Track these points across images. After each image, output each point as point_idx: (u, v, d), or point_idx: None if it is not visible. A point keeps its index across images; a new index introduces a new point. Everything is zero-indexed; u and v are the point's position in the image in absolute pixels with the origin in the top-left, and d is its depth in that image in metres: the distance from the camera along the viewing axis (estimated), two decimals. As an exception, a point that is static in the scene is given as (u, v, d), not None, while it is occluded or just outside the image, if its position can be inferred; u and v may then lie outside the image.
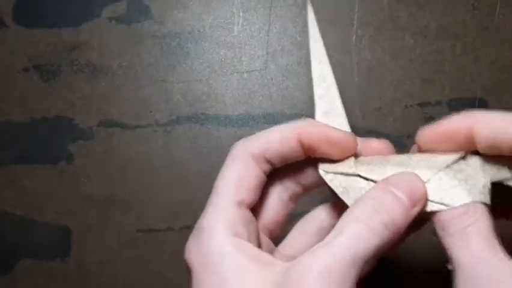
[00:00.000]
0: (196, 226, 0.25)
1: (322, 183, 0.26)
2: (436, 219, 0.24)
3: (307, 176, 0.28)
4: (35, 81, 0.41)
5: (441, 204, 0.24)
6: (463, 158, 0.25)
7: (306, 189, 0.28)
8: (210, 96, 0.40)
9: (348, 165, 0.26)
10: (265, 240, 0.27)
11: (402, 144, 0.37)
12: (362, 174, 0.25)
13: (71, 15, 0.41)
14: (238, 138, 0.35)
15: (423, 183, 0.24)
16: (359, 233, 0.22)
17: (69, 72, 0.41)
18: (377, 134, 0.38)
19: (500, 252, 0.21)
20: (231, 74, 0.40)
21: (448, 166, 0.25)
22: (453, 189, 0.24)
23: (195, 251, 0.24)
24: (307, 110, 0.39)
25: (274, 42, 0.40)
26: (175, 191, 0.39)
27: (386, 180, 0.24)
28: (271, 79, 0.39)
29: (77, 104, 0.40)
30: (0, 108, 0.41)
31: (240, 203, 0.25)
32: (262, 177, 0.26)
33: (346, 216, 0.23)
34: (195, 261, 0.24)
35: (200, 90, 0.40)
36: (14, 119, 0.40)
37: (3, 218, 0.40)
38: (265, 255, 0.24)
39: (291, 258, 0.23)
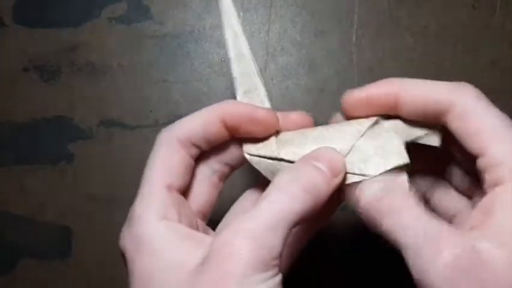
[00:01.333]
0: (129, 215, 0.25)
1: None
2: (357, 194, 0.25)
3: (233, 156, 0.28)
4: (35, 81, 0.41)
5: (361, 175, 0.25)
6: (377, 122, 0.26)
7: (234, 168, 0.29)
8: (210, 96, 0.40)
9: (270, 148, 0.27)
10: (200, 223, 0.27)
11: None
12: (285, 157, 0.26)
13: (71, 16, 0.41)
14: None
15: (342, 155, 0.25)
16: (280, 199, 0.23)
17: (69, 72, 0.41)
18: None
19: (424, 215, 0.23)
20: (231, 74, 0.40)
21: (362, 134, 0.26)
22: (370, 159, 0.25)
23: (127, 237, 0.24)
24: (307, 110, 0.39)
25: (274, 42, 0.40)
26: (175, 191, 0.39)
27: (305, 155, 0.25)
28: (271, 79, 0.39)
29: (77, 104, 0.40)
30: (0, 108, 0.41)
31: (168, 187, 0.25)
32: (189, 161, 0.26)
33: (269, 186, 0.24)
34: (128, 246, 0.24)
35: (200, 90, 0.40)
36: (14, 119, 0.40)
37: (3, 218, 0.40)
38: (198, 234, 0.24)
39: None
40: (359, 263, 0.37)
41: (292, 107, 0.39)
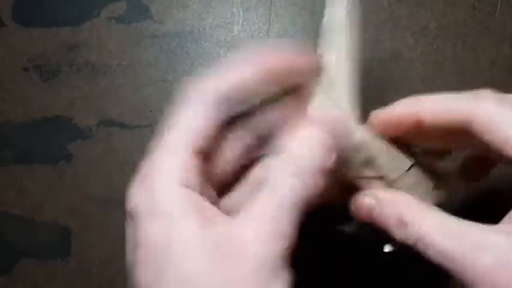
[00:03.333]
0: (144, 169, 0.23)
1: (280, 135, 0.25)
2: None
3: (264, 126, 0.25)
4: (34, 81, 0.41)
5: None
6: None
7: (262, 142, 0.26)
8: (209, 96, 0.39)
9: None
10: (210, 191, 0.25)
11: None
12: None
13: (71, 15, 0.41)
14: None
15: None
16: (294, 184, 0.22)
17: (68, 71, 0.40)
18: (377, 134, 0.38)
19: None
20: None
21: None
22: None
23: (140, 196, 0.22)
24: (307, 110, 0.39)
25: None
26: (175, 191, 0.39)
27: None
28: (271, 79, 0.39)
29: (77, 104, 0.40)
30: (0, 108, 0.40)
31: (194, 152, 0.23)
32: (220, 124, 0.24)
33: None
34: (142, 206, 0.22)
35: (200, 90, 0.40)
36: (14, 119, 0.40)
37: (3, 218, 0.40)
38: (213, 210, 0.22)
39: (233, 210, 0.22)
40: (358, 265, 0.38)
41: (292, 107, 0.39)
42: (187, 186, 0.22)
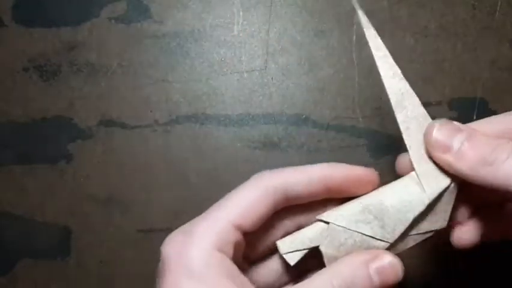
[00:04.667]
0: (187, 227, 0.25)
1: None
2: None
3: (307, 221, 0.28)
4: (34, 81, 0.41)
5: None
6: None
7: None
8: (209, 96, 0.40)
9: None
10: (241, 260, 0.27)
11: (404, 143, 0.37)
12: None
13: (71, 15, 0.41)
14: (238, 137, 0.35)
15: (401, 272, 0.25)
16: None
17: (68, 72, 0.40)
18: (377, 134, 0.38)
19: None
20: (230, 73, 0.40)
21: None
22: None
23: (177, 248, 0.24)
24: (307, 110, 0.39)
25: (274, 42, 0.40)
26: (175, 191, 0.39)
27: (363, 253, 0.25)
28: (271, 79, 0.39)
29: (77, 104, 0.40)
30: (0, 108, 0.40)
31: (237, 227, 0.25)
32: (271, 211, 0.26)
33: (323, 272, 0.24)
34: (174, 257, 0.23)
35: (200, 90, 0.40)
36: (14, 119, 0.40)
37: (3, 218, 0.40)
38: (243, 278, 0.24)
39: (263, 284, 0.25)
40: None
41: (292, 107, 0.39)
42: (222, 251, 0.24)
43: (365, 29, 0.28)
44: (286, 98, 0.39)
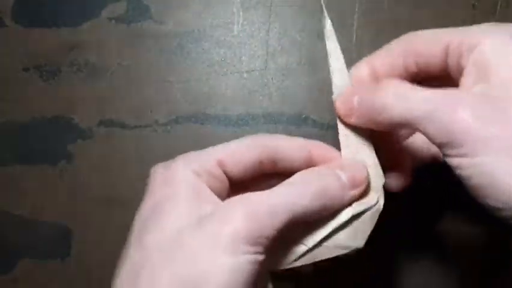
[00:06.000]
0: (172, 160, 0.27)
1: None
2: None
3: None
4: (34, 81, 0.41)
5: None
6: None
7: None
8: (210, 96, 0.40)
9: None
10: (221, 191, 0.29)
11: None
12: None
13: (71, 15, 0.41)
14: (238, 137, 0.35)
15: (366, 170, 0.27)
16: (290, 192, 0.25)
17: (68, 72, 0.40)
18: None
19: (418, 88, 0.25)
20: (231, 73, 0.40)
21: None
22: None
23: (160, 169, 0.27)
24: (307, 110, 0.39)
25: (274, 42, 0.40)
26: (175, 191, 0.39)
27: (332, 163, 0.27)
28: (271, 79, 0.39)
29: (77, 104, 0.40)
30: (0, 108, 0.40)
31: (219, 162, 0.27)
32: (256, 163, 0.27)
33: (291, 178, 0.26)
34: (157, 179, 0.26)
35: (200, 90, 0.40)
36: (14, 118, 0.40)
37: (3, 218, 0.40)
38: (216, 198, 0.26)
39: None
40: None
41: (292, 107, 0.39)
42: (198, 176, 0.26)
43: (327, 40, 0.30)
44: (286, 98, 0.39)
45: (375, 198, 0.27)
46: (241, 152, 0.27)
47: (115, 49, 0.40)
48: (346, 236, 0.27)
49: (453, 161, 0.23)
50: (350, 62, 0.39)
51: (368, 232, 0.27)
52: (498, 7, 0.39)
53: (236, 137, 0.38)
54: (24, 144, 0.40)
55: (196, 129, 0.39)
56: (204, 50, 0.40)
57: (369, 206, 0.27)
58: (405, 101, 0.24)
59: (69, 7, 0.41)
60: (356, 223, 0.27)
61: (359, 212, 0.27)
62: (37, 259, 0.39)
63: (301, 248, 0.26)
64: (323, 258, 0.27)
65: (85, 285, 0.39)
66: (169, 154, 0.39)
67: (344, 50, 0.39)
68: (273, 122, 0.39)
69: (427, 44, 0.27)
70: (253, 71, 0.40)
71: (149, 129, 0.39)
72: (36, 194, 0.40)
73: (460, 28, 0.27)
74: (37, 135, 0.40)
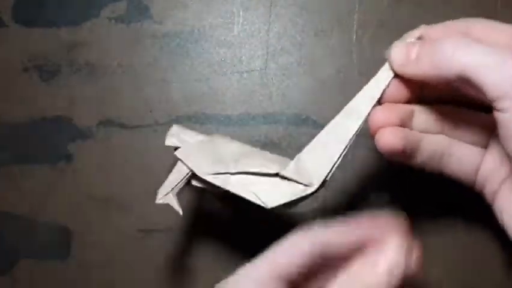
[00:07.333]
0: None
1: None
2: None
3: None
4: (34, 81, 0.41)
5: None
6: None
7: None
8: (210, 96, 0.40)
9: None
10: None
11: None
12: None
13: (71, 15, 0.41)
14: (238, 137, 0.35)
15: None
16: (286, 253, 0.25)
17: (68, 71, 0.40)
18: (377, 134, 0.38)
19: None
20: (230, 73, 0.40)
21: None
22: None
23: None
24: (307, 110, 0.39)
25: (274, 42, 0.40)
26: (175, 191, 0.39)
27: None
28: (271, 79, 0.39)
29: (77, 104, 0.40)
30: (0, 108, 0.40)
31: (277, 277, 0.25)
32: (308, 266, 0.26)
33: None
34: None
35: (200, 90, 0.40)
36: (13, 118, 0.40)
37: (3, 218, 0.40)
38: None
39: None
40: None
41: (292, 107, 0.39)
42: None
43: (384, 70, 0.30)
44: (286, 98, 0.39)
45: (313, 182, 0.29)
46: (297, 264, 0.26)
47: (115, 49, 0.40)
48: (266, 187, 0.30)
49: (505, 116, 0.24)
50: (350, 62, 0.39)
51: (281, 200, 0.29)
52: (498, 7, 0.39)
53: (236, 137, 0.39)
54: (24, 144, 0.40)
55: (196, 129, 0.39)
56: (203, 50, 0.40)
57: (302, 182, 0.29)
58: (469, 50, 0.25)
59: (69, 7, 0.41)
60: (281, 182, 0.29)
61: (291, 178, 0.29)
62: (37, 259, 0.39)
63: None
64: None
65: (85, 285, 0.39)
66: (169, 154, 0.39)
67: (344, 50, 0.39)
68: (273, 122, 0.39)
69: (492, 32, 0.27)
70: (253, 71, 0.40)
71: (149, 129, 0.39)
72: (36, 194, 0.40)
73: None
74: (37, 135, 0.40)
